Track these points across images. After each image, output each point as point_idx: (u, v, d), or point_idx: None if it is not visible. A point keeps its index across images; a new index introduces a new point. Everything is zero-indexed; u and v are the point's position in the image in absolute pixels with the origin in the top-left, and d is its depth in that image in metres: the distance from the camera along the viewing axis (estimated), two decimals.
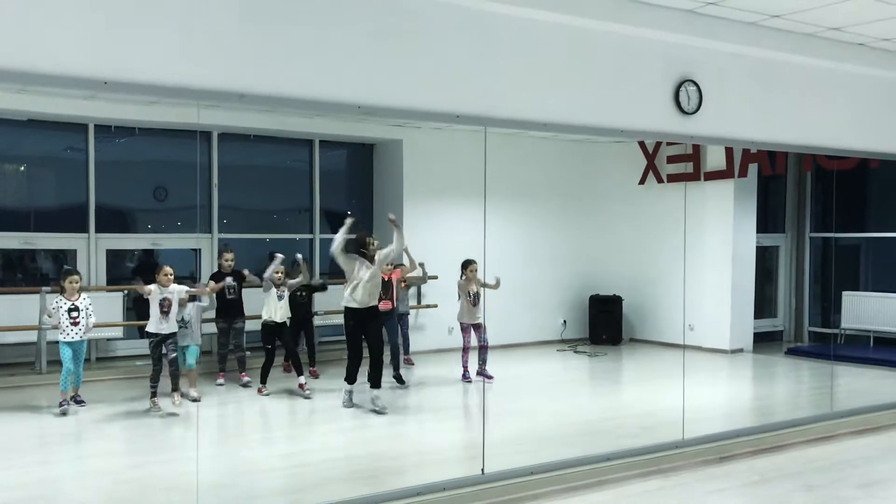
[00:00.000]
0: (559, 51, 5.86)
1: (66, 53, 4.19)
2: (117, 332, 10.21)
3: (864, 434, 7.42)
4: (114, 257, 10.83)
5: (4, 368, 9.41)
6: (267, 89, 4.77)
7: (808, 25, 6.63)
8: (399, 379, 9.33)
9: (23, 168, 10.74)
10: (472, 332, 9.51)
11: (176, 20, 4.48)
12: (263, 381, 8.82)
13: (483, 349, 9.48)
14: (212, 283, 9.05)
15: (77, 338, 7.86)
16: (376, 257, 8.03)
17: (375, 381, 7.99)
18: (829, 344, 12.76)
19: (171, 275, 8.09)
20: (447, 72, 5.38)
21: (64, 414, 7.69)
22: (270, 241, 11.94)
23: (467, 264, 9.60)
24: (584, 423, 7.80)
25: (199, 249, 11.02)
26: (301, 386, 8.73)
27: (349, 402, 8.11)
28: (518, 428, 7.50)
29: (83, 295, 8.01)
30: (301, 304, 9.54)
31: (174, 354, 7.99)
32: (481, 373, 9.40)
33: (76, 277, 8.03)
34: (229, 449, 7.00)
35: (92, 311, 8.05)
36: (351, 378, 8.09)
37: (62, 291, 7.95)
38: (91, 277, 10.30)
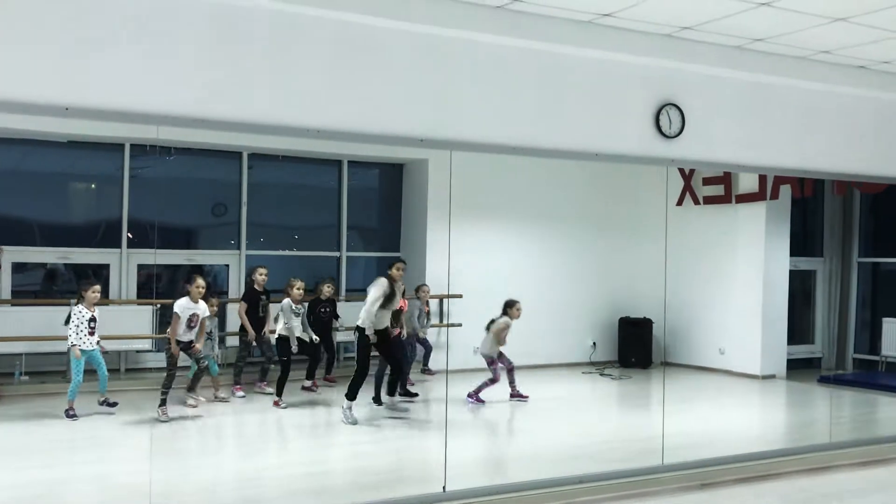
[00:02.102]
0: (530, 76, 5.94)
1: (28, 80, 4.49)
2: (146, 345, 10.62)
3: (866, 466, 7.18)
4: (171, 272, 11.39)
5: (37, 377, 9.88)
6: (226, 114, 5.00)
7: (796, 48, 6.55)
8: (407, 393, 9.50)
9: (82, 186, 11.34)
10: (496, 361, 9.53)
11: (135, 47, 4.74)
12: (279, 394, 9.02)
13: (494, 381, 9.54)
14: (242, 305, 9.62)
15: (91, 347, 8.20)
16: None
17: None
18: (868, 372, 12.36)
19: (202, 288, 8.39)
20: (410, 96, 5.51)
21: (72, 419, 8.03)
22: (300, 258, 12.26)
23: (512, 304, 9.57)
24: (578, 445, 7.73)
25: (228, 266, 11.41)
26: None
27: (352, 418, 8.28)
28: (510, 448, 7.54)
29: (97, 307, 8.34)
30: (324, 320, 9.81)
31: (205, 363, 8.44)
32: (481, 395, 9.52)
33: (97, 287, 8.37)
34: (199, 460, 7.23)
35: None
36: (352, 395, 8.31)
37: (80, 300, 8.29)
38: (122, 291, 10.76)
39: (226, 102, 4.99)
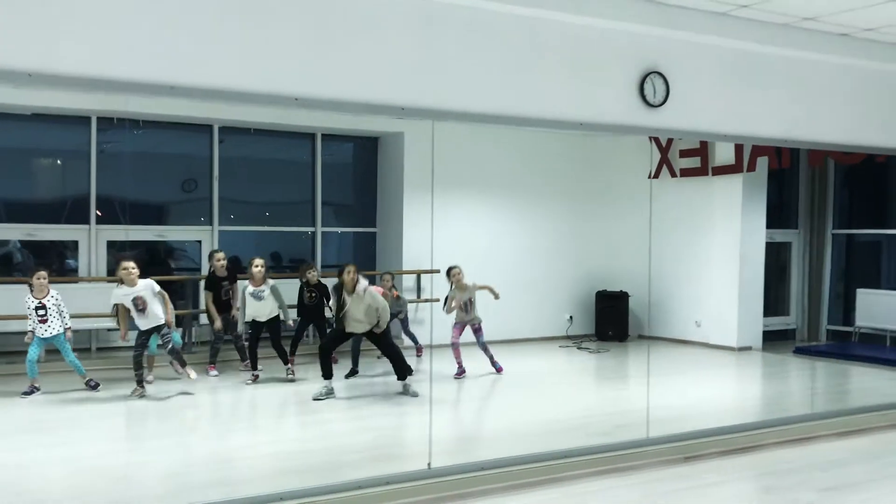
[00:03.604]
0: (512, 43, 5.77)
1: None
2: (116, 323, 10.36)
3: (847, 436, 7.18)
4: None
5: (4, 357, 9.62)
6: (197, 81, 4.77)
7: (780, 15, 6.44)
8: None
9: (48, 160, 11.01)
10: (470, 331, 9.61)
11: (101, 13, 4.51)
12: (252, 366, 9.12)
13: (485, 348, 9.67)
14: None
15: (48, 335, 7.98)
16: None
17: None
18: (842, 343, 12.46)
19: (131, 269, 7.88)
20: (391, 64, 5.33)
21: (28, 394, 8.02)
22: (272, 233, 12.04)
23: (449, 271, 9.56)
24: (560, 420, 7.67)
25: (201, 241, 11.18)
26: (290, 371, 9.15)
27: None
28: (491, 424, 7.45)
29: (52, 292, 8.05)
30: (312, 305, 9.63)
31: (170, 345, 8.13)
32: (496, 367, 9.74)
33: (42, 274, 8.05)
34: (173, 440, 7.04)
35: (64, 307, 8.13)
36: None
37: (30, 289, 8.01)
38: (91, 268, 10.50)
39: (196, 69, 4.77)
